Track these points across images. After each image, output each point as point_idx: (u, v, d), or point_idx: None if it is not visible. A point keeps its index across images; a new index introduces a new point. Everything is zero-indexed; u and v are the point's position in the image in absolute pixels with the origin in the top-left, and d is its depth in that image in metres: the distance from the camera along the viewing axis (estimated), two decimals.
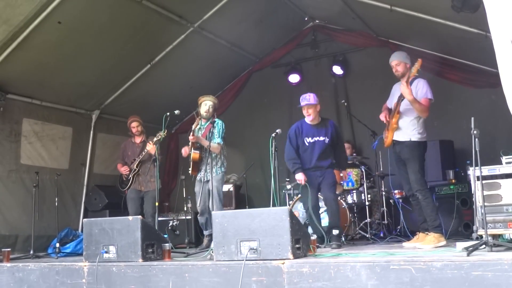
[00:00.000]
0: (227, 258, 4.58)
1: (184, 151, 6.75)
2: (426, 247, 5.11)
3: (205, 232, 6.83)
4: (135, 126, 7.67)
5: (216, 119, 6.63)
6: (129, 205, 7.55)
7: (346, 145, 8.47)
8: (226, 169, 6.85)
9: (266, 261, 4.34)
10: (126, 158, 7.80)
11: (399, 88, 5.58)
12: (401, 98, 5.53)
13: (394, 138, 5.55)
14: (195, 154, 6.52)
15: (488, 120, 7.11)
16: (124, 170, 7.65)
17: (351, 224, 7.42)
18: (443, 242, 5.23)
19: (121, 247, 5.14)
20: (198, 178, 6.69)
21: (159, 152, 7.24)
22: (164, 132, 6.80)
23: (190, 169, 6.65)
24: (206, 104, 6.68)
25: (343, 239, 6.12)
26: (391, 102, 5.86)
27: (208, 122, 6.65)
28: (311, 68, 9.50)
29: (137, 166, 7.57)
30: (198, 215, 6.78)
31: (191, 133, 6.49)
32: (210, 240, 6.54)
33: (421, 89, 5.49)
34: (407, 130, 5.50)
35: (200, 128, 6.78)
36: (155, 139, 7.07)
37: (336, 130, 6.42)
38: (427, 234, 5.36)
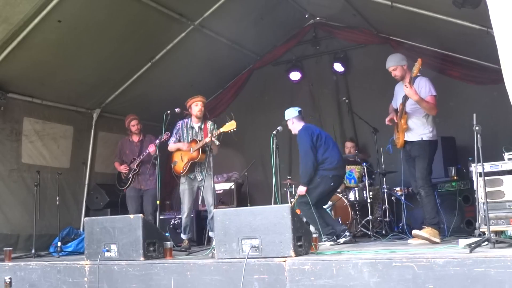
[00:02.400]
0: (228, 256, 4.57)
1: (183, 145, 6.62)
2: (422, 235, 5.23)
3: (184, 236, 6.62)
4: (135, 124, 7.69)
5: (209, 121, 6.65)
6: (129, 204, 7.57)
7: (349, 143, 8.46)
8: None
9: (268, 258, 4.33)
10: (123, 157, 7.83)
11: (402, 88, 5.56)
12: (405, 98, 5.52)
13: (405, 139, 5.56)
14: (203, 155, 6.41)
15: (490, 117, 7.10)
16: (123, 168, 7.66)
17: (353, 221, 7.42)
18: (438, 239, 5.23)
19: (123, 246, 5.13)
20: (191, 176, 6.59)
21: (159, 154, 7.23)
22: (165, 133, 6.82)
23: (185, 169, 6.52)
24: (197, 105, 6.60)
25: (325, 239, 6.00)
26: (396, 103, 5.84)
27: (203, 123, 6.63)
28: (312, 65, 9.49)
29: (137, 166, 7.58)
30: (185, 216, 6.54)
31: (210, 136, 6.28)
32: (190, 242, 6.55)
33: (424, 88, 5.47)
34: (418, 130, 5.51)
35: (192, 128, 6.70)
36: (157, 141, 7.05)
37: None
38: (425, 227, 5.40)
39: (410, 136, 5.55)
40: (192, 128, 6.69)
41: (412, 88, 5.35)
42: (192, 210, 6.64)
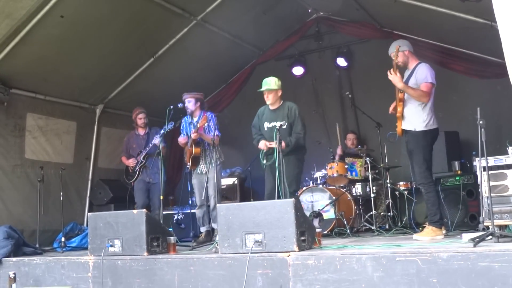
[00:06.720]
0: (232, 251, 4.58)
1: (183, 139, 6.79)
2: (424, 239, 5.11)
3: (202, 228, 6.78)
4: (142, 118, 7.80)
5: (208, 113, 6.78)
6: (136, 196, 7.62)
7: (351, 135, 8.48)
8: (223, 159, 6.92)
9: (271, 253, 4.34)
10: (130, 150, 7.88)
11: (405, 76, 5.52)
12: None
13: (402, 127, 5.47)
14: (196, 149, 6.57)
15: (494, 111, 7.06)
16: (131, 162, 7.71)
17: (357, 216, 7.41)
18: (441, 236, 5.18)
19: (126, 241, 5.16)
20: (197, 171, 6.75)
21: (163, 145, 7.26)
22: (170, 123, 6.88)
23: (189, 164, 6.71)
24: (187, 102, 6.76)
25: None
26: None
27: (200, 118, 6.67)
28: (315, 60, 9.46)
29: (143, 158, 7.63)
30: (197, 208, 6.76)
31: (193, 131, 6.53)
32: (208, 235, 6.63)
33: (420, 74, 5.37)
34: (412, 119, 5.38)
35: (191, 123, 6.81)
36: (162, 131, 7.10)
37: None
38: (426, 226, 5.34)
39: (405, 125, 5.43)
40: (191, 123, 6.82)
41: (396, 74, 5.28)
42: (205, 202, 6.66)
